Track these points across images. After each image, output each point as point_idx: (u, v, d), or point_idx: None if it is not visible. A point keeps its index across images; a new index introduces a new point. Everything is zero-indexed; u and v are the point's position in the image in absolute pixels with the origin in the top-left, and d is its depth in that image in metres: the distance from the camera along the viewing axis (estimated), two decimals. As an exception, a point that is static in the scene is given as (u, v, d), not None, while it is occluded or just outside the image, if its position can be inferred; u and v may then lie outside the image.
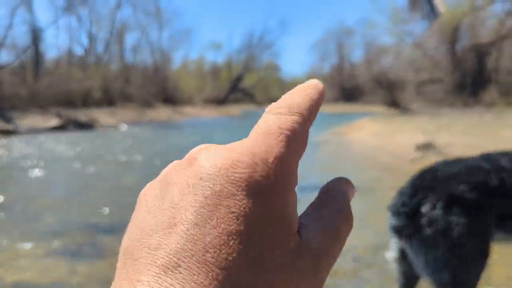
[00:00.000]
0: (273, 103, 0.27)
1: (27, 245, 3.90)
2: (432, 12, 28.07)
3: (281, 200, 0.24)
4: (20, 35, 33.96)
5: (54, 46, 38.18)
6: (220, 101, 53.39)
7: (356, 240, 3.90)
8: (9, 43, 31.44)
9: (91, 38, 38.31)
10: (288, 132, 0.25)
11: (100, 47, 39.70)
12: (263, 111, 0.27)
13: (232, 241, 0.21)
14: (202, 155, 0.25)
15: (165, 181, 0.26)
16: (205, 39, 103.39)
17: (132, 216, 0.26)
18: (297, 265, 0.23)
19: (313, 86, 0.28)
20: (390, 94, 24.55)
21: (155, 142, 13.73)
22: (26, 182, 6.81)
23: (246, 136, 0.25)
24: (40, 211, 5.07)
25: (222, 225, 0.22)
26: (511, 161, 2.01)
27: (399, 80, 29.56)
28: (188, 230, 0.22)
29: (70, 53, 38.08)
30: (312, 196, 0.27)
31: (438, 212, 1.84)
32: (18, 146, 11.94)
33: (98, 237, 4.16)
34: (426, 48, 26.30)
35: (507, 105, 19.99)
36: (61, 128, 18.02)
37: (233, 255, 0.21)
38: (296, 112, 0.26)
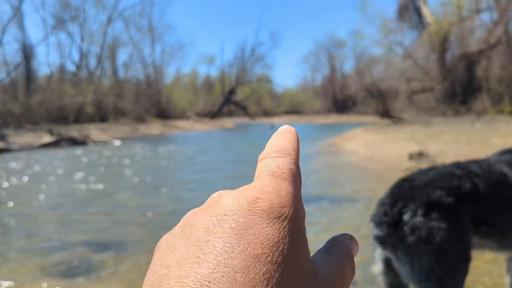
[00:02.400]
0: (265, 150, 0.32)
1: (21, 262, 3.83)
2: (420, 23, 28.44)
3: (297, 226, 0.26)
4: (11, 52, 34.01)
5: (45, 62, 38.08)
6: (213, 114, 53.45)
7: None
8: (0, 60, 31.42)
9: (83, 54, 38.31)
10: (288, 171, 0.30)
11: (92, 63, 39.73)
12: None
13: (259, 263, 0.23)
14: (222, 198, 0.28)
15: (187, 224, 0.28)
16: (197, 53, 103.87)
17: (152, 259, 0.27)
18: (314, 287, 0.26)
19: (289, 130, 0.34)
20: (382, 104, 24.69)
21: (147, 157, 13.67)
22: (18, 200, 6.71)
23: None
24: (32, 229, 4.99)
25: (249, 250, 0.24)
26: (481, 167, 2.05)
27: (390, 90, 29.80)
28: (217, 257, 0.24)
29: (61, 69, 38.05)
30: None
31: (419, 219, 1.84)
32: (9, 163, 11.81)
33: (92, 255, 4.09)
34: (416, 57, 26.57)
35: (498, 113, 20.19)
36: (53, 144, 17.88)
37: (260, 274, 0.23)
38: (287, 154, 0.31)
